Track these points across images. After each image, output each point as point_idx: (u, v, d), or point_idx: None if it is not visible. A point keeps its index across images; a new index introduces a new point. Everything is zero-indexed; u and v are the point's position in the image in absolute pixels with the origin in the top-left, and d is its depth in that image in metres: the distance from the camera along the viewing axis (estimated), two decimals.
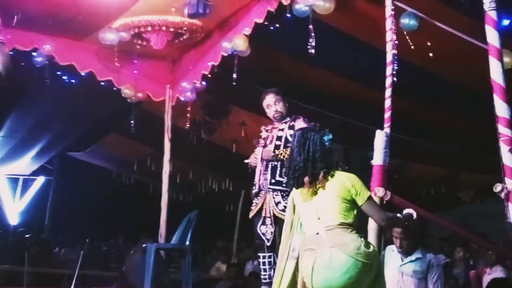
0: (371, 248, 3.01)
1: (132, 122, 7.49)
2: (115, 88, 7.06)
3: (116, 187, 12.21)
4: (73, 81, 7.60)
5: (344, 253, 2.90)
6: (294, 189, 3.25)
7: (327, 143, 3.19)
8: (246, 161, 4.65)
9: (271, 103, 4.59)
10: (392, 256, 4.27)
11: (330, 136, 3.22)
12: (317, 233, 3.03)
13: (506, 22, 4.02)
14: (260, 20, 5.48)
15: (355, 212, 3.07)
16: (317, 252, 2.97)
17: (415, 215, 3.36)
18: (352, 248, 2.91)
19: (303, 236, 3.19)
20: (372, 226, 3.48)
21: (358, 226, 3.10)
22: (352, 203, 3.06)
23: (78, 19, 5.96)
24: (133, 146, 9.58)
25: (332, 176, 3.11)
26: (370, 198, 3.09)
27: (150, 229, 8.30)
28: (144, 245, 6.17)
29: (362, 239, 3.01)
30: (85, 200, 12.23)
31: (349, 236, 2.97)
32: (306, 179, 3.13)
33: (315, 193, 3.11)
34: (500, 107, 3.06)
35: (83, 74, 6.82)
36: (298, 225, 3.28)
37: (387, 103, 3.82)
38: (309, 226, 3.14)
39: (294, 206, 3.30)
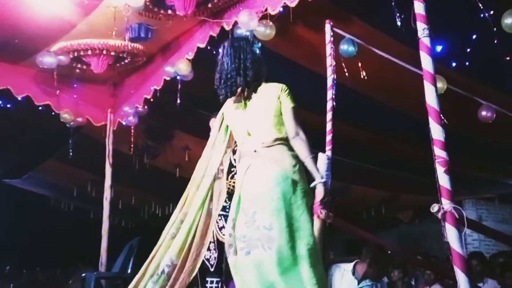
0: (303, 173, 3.03)
1: (71, 147, 7.30)
2: (53, 113, 6.88)
3: (54, 214, 11.79)
4: (8, 105, 7.35)
5: (279, 167, 2.94)
6: (225, 104, 3.21)
7: (257, 51, 3.15)
8: None
9: (211, 127, 4.60)
10: (345, 276, 4.28)
11: (260, 45, 3.20)
12: (255, 151, 3.01)
13: (439, 48, 4.20)
14: (202, 45, 5.51)
15: None
16: (252, 163, 2.99)
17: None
18: (287, 164, 2.95)
19: (237, 153, 3.14)
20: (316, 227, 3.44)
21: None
22: (282, 115, 3.05)
23: (14, 43, 5.80)
24: (72, 172, 9.30)
25: (261, 88, 3.08)
26: (293, 108, 3.06)
27: (91, 258, 8.05)
28: (83, 274, 5.97)
29: (298, 159, 3.01)
30: (22, 229, 11.72)
31: (287, 154, 2.99)
32: (238, 89, 3.06)
33: (245, 107, 3.07)
34: (435, 130, 3.16)
35: (19, 98, 6.61)
36: (220, 143, 3.26)
37: (328, 126, 3.89)
38: (243, 143, 3.09)
39: (221, 122, 3.27)
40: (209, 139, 3.34)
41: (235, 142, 3.26)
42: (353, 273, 4.27)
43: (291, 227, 2.89)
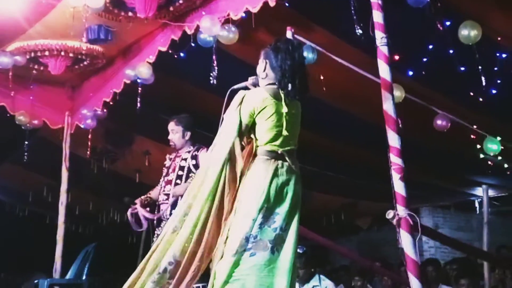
0: None
1: (26, 150, 7.12)
2: (8, 115, 6.71)
3: (8, 219, 11.47)
4: None
5: (299, 172, 3.06)
6: (250, 92, 3.13)
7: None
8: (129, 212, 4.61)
9: (169, 131, 4.59)
10: None
11: None
12: (282, 153, 3.00)
13: (396, 57, 4.27)
14: (164, 48, 5.46)
15: None
16: (279, 164, 2.99)
17: None
18: (299, 173, 3.08)
19: (261, 148, 3.02)
20: None
21: None
22: None
23: None
24: (28, 176, 9.05)
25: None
26: None
27: (46, 264, 7.86)
28: (36, 281, 5.82)
29: None
30: None
31: (297, 163, 3.09)
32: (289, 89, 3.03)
33: (288, 109, 3.02)
34: (392, 138, 3.21)
35: None
36: (232, 135, 3.00)
37: None
38: (270, 142, 3.01)
39: (238, 108, 3.05)
40: (223, 125, 3.09)
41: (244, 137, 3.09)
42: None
43: (299, 231, 2.98)
